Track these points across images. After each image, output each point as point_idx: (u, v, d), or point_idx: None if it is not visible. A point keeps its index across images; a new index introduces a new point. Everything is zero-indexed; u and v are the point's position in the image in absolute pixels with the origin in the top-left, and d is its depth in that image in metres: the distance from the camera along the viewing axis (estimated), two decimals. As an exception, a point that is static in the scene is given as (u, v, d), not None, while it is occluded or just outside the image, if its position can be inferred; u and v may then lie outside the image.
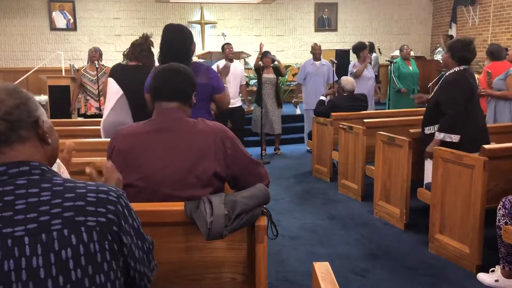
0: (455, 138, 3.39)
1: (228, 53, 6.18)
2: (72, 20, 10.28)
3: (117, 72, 3.45)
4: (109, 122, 3.39)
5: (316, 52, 6.83)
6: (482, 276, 2.97)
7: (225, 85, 3.13)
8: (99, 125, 3.92)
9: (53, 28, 10.25)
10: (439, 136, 3.46)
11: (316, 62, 6.82)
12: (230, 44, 6.31)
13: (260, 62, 6.51)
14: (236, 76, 6.19)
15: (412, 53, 10.23)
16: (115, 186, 1.16)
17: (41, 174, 1.09)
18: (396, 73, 6.99)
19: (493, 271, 2.94)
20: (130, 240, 1.13)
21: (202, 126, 1.80)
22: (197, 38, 10.80)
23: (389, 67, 7.11)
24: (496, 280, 2.88)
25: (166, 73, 1.89)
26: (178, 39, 2.92)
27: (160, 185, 1.71)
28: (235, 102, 6.21)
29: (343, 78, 5.73)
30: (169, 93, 1.84)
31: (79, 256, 1.01)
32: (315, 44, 6.95)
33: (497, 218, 2.82)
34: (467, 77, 3.47)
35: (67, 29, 10.31)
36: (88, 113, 5.92)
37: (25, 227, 1.00)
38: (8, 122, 1.07)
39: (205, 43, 10.82)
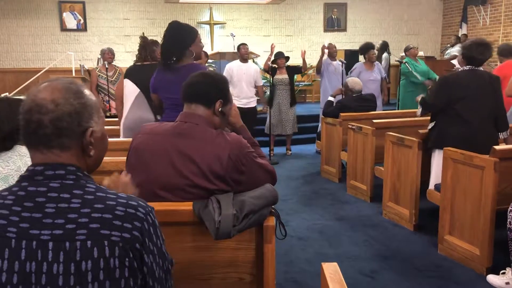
0: (419, 111, 3.79)
1: (244, 53, 6.19)
2: (82, 21, 10.37)
3: (133, 73, 3.52)
4: (130, 119, 3.44)
5: (333, 51, 6.82)
6: (492, 278, 2.94)
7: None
8: (115, 125, 3.99)
9: (63, 28, 10.33)
10: (418, 99, 3.82)
11: (333, 62, 6.81)
12: (245, 44, 6.33)
13: (275, 65, 6.53)
14: (249, 77, 6.18)
15: (421, 53, 10.20)
16: (145, 201, 1.14)
17: (75, 180, 1.08)
18: (413, 68, 6.71)
19: (503, 273, 2.91)
20: (152, 259, 1.10)
21: (219, 140, 1.74)
22: (206, 39, 10.83)
23: (401, 66, 6.96)
24: (507, 283, 2.85)
25: (197, 76, 1.88)
26: (172, 37, 2.94)
27: (165, 191, 1.70)
28: (249, 102, 6.21)
29: (350, 79, 5.70)
30: (192, 93, 1.83)
31: (98, 270, 1.01)
32: (330, 43, 6.95)
33: (508, 220, 2.79)
34: (463, 77, 3.46)
35: (77, 29, 10.39)
36: (108, 114, 5.96)
37: (51, 232, 1.00)
38: (56, 128, 1.06)
39: (214, 43, 10.85)
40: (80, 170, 1.10)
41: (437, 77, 6.73)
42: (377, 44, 8.71)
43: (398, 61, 7.23)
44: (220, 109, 1.84)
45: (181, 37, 2.94)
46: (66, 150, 1.09)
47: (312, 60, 10.58)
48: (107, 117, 5.85)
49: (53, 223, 1.01)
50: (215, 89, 1.85)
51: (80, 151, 1.11)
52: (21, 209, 1.02)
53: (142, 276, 1.10)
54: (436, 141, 3.53)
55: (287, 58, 6.69)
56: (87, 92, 1.14)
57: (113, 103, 5.98)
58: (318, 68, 6.89)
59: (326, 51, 6.78)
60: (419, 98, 3.81)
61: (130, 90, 3.50)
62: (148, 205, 1.14)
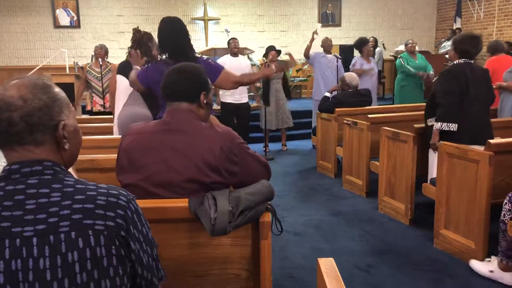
0: (453, 126, 3.42)
1: (233, 47, 6.17)
2: (75, 18, 10.30)
3: (125, 69, 3.49)
4: (124, 116, 3.41)
5: (327, 45, 6.82)
6: (475, 264, 2.98)
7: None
8: (105, 122, 3.96)
9: (56, 25, 10.27)
10: (437, 125, 3.51)
11: (328, 56, 6.81)
12: (235, 38, 6.31)
13: (267, 60, 6.53)
14: (241, 72, 6.15)
15: (416, 48, 10.22)
16: (125, 190, 1.15)
17: (53, 174, 1.08)
18: (406, 62, 6.87)
19: (489, 261, 2.94)
20: (138, 246, 1.11)
21: (210, 132, 1.74)
22: (200, 35, 10.80)
23: (397, 60, 7.03)
24: (491, 271, 2.89)
25: (173, 74, 1.85)
26: (176, 31, 2.93)
27: (159, 188, 1.69)
28: (242, 98, 6.21)
29: (347, 74, 5.70)
30: (173, 93, 1.81)
31: (85, 260, 1.01)
32: (326, 37, 6.95)
33: (502, 212, 2.81)
34: (463, 69, 3.47)
35: (71, 26, 10.33)
36: (94, 110, 5.93)
37: (34, 228, 1.00)
38: (27, 124, 1.05)
39: (209, 39, 10.81)
40: (57, 164, 1.10)
41: (432, 71, 6.80)
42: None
43: (393, 55, 7.25)
44: (205, 101, 1.85)
45: (186, 32, 2.98)
46: (40, 145, 1.09)
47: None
48: (92, 113, 5.82)
49: (35, 218, 1.01)
50: (196, 83, 1.84)
51: (54, 145, 1.11)
52: (0, 209, 1.02)
53: (131, 264, 1.10)
54: (440, 136, 3.51)
55: (279, 52, 6.69)
56: (55, 86, 1.13)
57: (98, 100, 5.95)
58: (306, 53, 6.79)
59: (316, 36, 6.74)
60: (432, 121, 3.58)
61: (124, 86, 3.46)
62: (129, 193, 1.14)
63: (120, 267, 1.06)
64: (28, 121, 1.05)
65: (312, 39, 6.73)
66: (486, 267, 2.92)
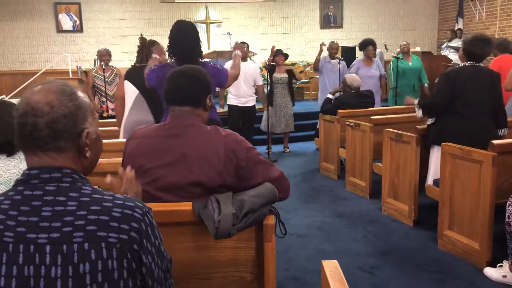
0: (420, 113, 3.71)
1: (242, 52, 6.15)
2: (78, 22, 10.34)
3: (131, 75, 3.59)
4: (130, 122, 3.50)
5: (333, 50, 6.82)
6: (489, 271, 2.95)
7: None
8: (113, 126, 4.04)
9: (59, 30, 10.30)
10: (415, 102, 3.81)
11: (332, 60, 6.81)
12: (244, 43, 6.27)
13: (273, 62, 6.51)
14: (247, 76, 6.14)
15: (418, 49, 10.22)
16: (142, 202, 1.14)
17: (71, 182, 1.07)
18: (395, 70, 6.91)
19: (500, 266, 2.92)
20: (151, 260, 1.10)
21: (215, 136, 1.74)
22: (202, 38, 10.78)
23: (390, 63, 7.12)
24: (504, 276, 2.86)
25: (177, 78, 1.83)
26: (187, 36, 2.97)
27: (165, 192, 1.70)
28: (248, 101, 6.21)
29: (348, 75, 5.70)
30: (180, 98, 1.80)
31: (96, 272, 1.00)
32: (332, 42, 6.96)
33: (507, 214, 2.80)
34: (463, 73, 3.46)
35: (74, 31, 10.36)
36: (105, 115, 5.93)
37: (48, 235, 1.00)
38: (52, 130, 1.05)
39: (211, 42, 10.83)
40: (76, 172, 1.10)
41: (426, 83, 6.88)
42: None
43: (394, 56, 7.27)
44: (210, 104, 1.86)
45: (197, 38, 3.05)
46: (62, 152, 1.08)
47: (309, 57, 10.59)
48: (103, 118, 5.85)
49: (50, 226, 1.01)
50: (202, 87, 1.84)
51: (76, 153, 1.11)
52: (17, 214, 1.02)
53: (141, 277, 1.09)
54: (436, 137, 3.52)
55: (286, 56, 6.67)
56: (80, 93, 1.13)
57: (109, 104, 5.97)
58: (316, 67, 6.85)
59: (324, 47, 6.76)
60: (412, 100, 3.87)
61: (130, 91, 3.56)
62: (145, 205, 1.14)
63: (130, 280, 1.05)
64: (53, 128, 1.05)
65: (321, 51, 6.73)
66: (499, 272, 2.90)
